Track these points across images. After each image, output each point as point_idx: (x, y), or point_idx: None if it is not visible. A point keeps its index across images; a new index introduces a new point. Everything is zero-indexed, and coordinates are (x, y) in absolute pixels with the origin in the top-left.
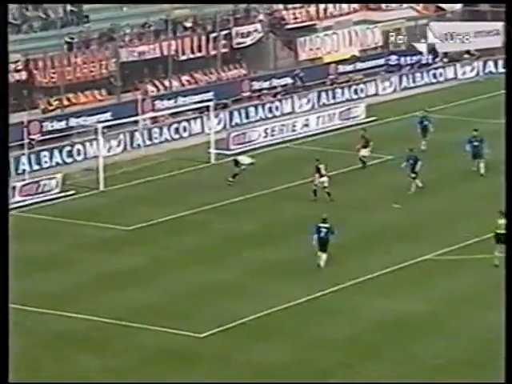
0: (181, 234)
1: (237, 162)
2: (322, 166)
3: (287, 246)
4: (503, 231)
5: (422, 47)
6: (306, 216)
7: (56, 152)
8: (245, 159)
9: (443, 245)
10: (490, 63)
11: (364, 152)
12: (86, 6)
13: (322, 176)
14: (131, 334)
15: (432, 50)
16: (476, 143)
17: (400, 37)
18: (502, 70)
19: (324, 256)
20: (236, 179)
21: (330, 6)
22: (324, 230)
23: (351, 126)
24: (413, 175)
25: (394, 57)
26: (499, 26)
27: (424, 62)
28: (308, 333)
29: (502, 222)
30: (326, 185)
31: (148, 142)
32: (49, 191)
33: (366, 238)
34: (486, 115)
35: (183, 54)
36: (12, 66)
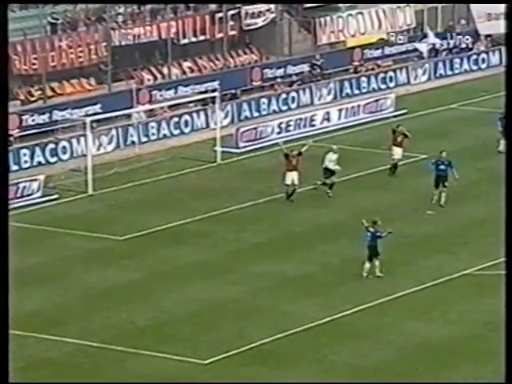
0: (181, 245)
1: (331, 172)
2: (295, 158)
3: (304, 258)
4: None
5: (421, 47)
6: (326, 224)
7: (38, 150)
8: (331, 160)
9: (485, 258)
10: None
11: (398, 152)
12: None
13: (292, 169)
14: (123, 359)
15: (474, 32)
16: None
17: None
18: None
19: (368, 265)
20: (333, 189)
21: None
22: (369, 234)
23: (378, 120)
24: (437, 186)
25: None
26: None
27: (464, 46)
28: (328, 359)
29: None
30: (289, 182)
31: (144, 139)
32: (29, 195)
33: (395, 250)
34: None
35: (184, 37)
36: None
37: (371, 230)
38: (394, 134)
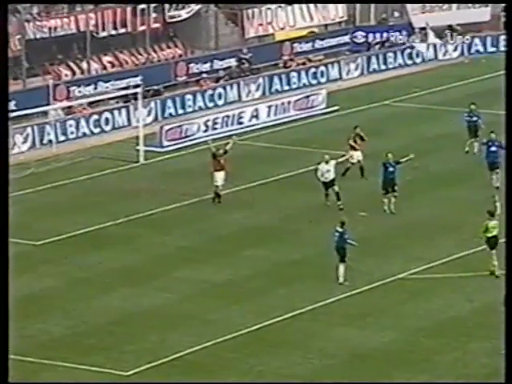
0: (102, 250)
1: (327, 183)
2: (222, 158)
3: (232, 263)
4: (495, 233)
5: (421, 47)
6: (254, 227)
7: None
8: (323, 171)
9: (419, 261)
10: (477, 41)
11: (356, 155)
12: None
13: (220, 169)
14: (38, 371)
15: (408, 24)
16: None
17: None
18: (490, 48)
19: (341, 268)
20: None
21: None
22: (337, 234)
23: (309, 117)
24: (385, 191)
25: (360, 33)
26: None
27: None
28: (256, 368)
29: (494, 223)
30: (220, 183)
31: (62, 138)
32: None
33: (326, 253)
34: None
35: (104, 29)
36: None
37: (339, 229)
38: (352, 138)
